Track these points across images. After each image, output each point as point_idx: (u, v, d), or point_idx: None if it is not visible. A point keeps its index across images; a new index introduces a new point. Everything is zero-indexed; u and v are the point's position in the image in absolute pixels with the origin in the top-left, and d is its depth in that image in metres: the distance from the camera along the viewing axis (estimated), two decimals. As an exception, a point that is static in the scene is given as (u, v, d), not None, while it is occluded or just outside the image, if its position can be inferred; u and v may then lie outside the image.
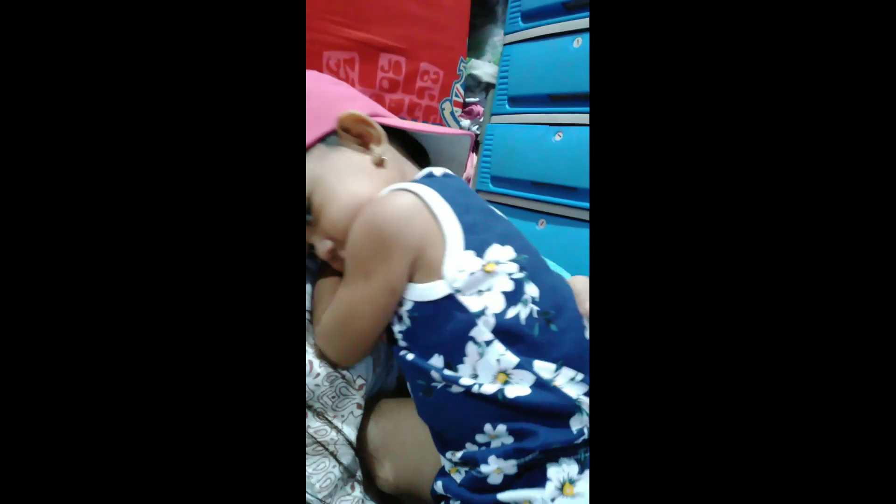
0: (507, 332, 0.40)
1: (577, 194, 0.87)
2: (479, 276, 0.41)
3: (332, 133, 0.50)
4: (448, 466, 0.45)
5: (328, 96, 0.53)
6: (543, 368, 0.40)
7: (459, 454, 0.43)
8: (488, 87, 1.16)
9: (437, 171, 0.51)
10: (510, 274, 0.42)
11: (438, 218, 0.43)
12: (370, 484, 0.51)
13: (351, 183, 0.48)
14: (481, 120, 1.16)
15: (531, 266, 0.44)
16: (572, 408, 0.40)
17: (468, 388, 0.41)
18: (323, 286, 0.51)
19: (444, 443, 0.45)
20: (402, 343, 0.45)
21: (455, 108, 1.12)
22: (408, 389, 0.48)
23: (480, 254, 0.42)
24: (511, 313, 0.41)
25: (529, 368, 0.40)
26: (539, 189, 0.94)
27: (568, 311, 0.43)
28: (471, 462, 0.42)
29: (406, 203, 0.44)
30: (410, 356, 0.44)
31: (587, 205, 0.86)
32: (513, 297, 0.41)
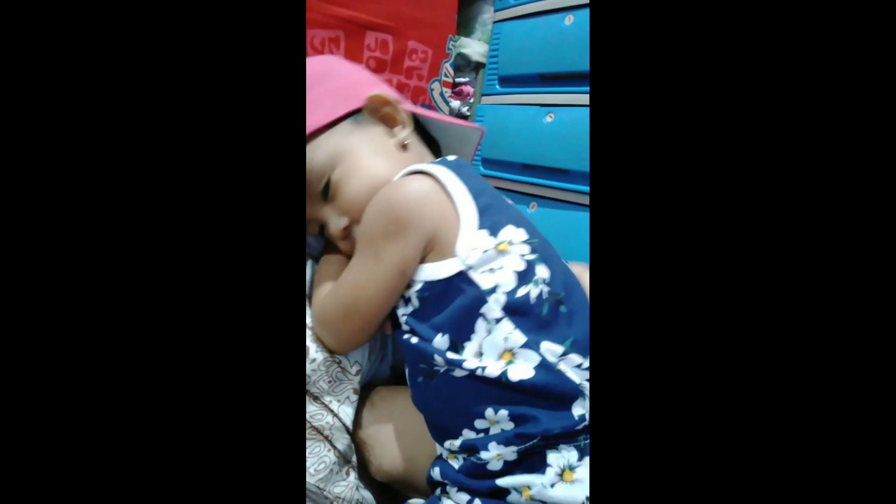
0: (516, 311, 0.41)
1: (568, 177, 0.86)
2: (492, 255, 0.42)
3: (358, 111, 0.50)
4: (445, 454, 0.44)
5: (355, 76, 0.53)
6: (549, 351, 0.40)
7: (458, 442, 0.42)
8: (478, 66, 1.13)
9: (450, 158, 0.50)
10: (522, 255, 0.42)
11: (454, 198, 0.43)
12: (365, 471, 0.51)
13: (375, 162, 0.48)
14: (472, 101, 1.14)
15: (542, 249, 0.44)
16: (575, 392, 0.40)
17: (472, 371, 0.40)
18: (325, 269, 0.50)
19: (442, 432, 0.44)
20: (405, 327, 0.45)
21: (444, 89, 1.09)
22: (404, 377, 0.47)
23: (494, 234, 0.43)
24: (521, 292, 0.41)
25: (536, 349, 0.40)
26: (530, 171, 0.92)
27: (577, 296, 0.44)
28: (470, 449, 0.41)
29: (423, 185, 0.44)
30: (414, 339, 0.43)
31: (579, 188, 0.84)
32: (524, 277, 0.42)
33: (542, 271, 0.43)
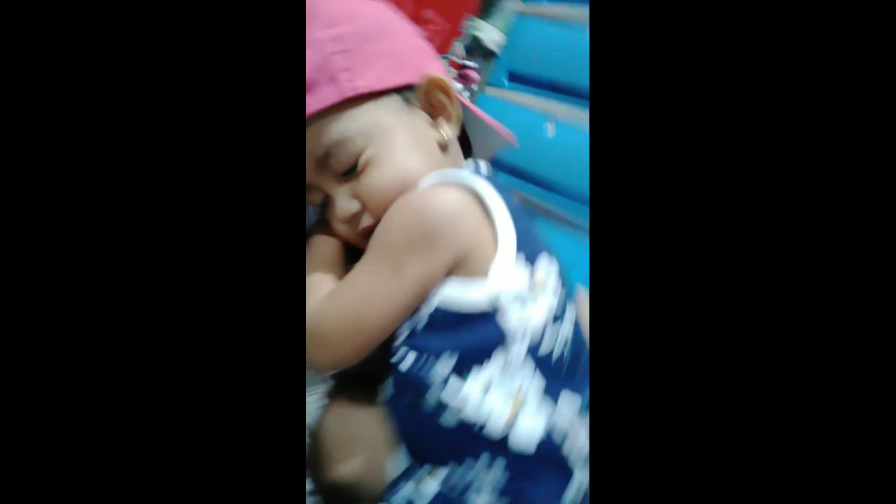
0: (543, 357, 0.37)
1: (554, 194, 0.84)
2: (527, 288, 0.37)
3: (410, 88, 0.43)
4: (418, 471, 0.40)
5: (413, 41, 0.45)
6: (568, 402, 0.38)
7: (442, 471, 0.38)
8: (487, 54, 1.09)
9: (482, 165, 0.45)
10: (555, 291, 0.39)
11: (494, 218, 0.38)
12: (318, 477, 0.47)
13: (411, 156, 0.41)
14: (475, 88, 1.09)
15: (570, 284, 0.41)
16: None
17: (471, 423, 0.36)
18: (319, 263, 0.43)
19: (418, 453, 0.40)
20: (399, 343, 0.39)
21: (450, 69, 1.04)
22: (370, 373, 0.42)
23: (531, 263, 0.38)
24: (550, 333, 0.38)
25: (555, 399, 0.37)
26: (516, 177, 0.90)
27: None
28: (457, 488, 0.37)
29: (461, 199, 0.38)
30: (406, 364, 0.38)
31: (564, 205, 0.83)
32: (557, 317, 0.38)
33: (571, 312, 0.39)
